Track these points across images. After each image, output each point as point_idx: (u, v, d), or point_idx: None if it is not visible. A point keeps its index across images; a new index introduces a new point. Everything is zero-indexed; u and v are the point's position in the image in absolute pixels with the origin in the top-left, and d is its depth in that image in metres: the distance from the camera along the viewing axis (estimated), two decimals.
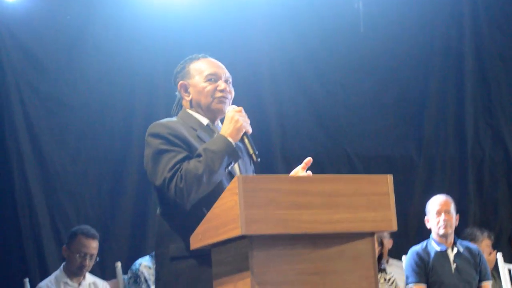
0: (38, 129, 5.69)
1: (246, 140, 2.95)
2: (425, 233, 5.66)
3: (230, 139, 2.89)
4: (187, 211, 2.83)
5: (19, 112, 5.64)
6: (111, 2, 5.94)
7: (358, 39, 6.63)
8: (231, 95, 3.14)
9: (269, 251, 2.52)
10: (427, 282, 5.39)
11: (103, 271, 5.49)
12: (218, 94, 3.09)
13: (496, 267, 5.87)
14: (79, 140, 5.81)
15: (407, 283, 5.42)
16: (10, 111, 5.62)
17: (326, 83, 6.63)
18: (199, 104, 3.12)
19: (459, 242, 5.55)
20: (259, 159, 2.94)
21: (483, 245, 6.06)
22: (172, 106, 3.27)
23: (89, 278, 5.08)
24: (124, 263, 5.15)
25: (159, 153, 2.91)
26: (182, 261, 2.86)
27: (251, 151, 2.94)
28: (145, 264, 4.96)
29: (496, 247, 6.27)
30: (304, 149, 6.08)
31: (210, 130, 3.10)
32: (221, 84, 3.10)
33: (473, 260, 5.46)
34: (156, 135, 2.96)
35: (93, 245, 4.99)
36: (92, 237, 5.00)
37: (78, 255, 4.95)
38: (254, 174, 3.23)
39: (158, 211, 3.02)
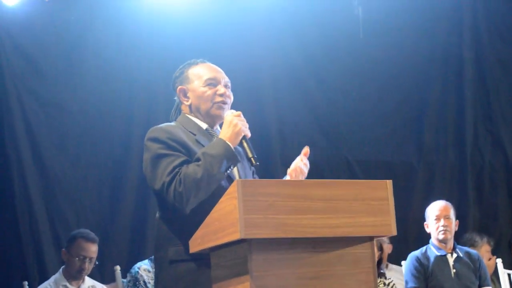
0: (37, 134, 5.69)
1: (245, 144, 2.96)
2: (425, 239, 5.66)
3: (229, 143, 2.89)
4: (186, 215, 2.83)
5: (19, 117, 5.64)
6: (111, 8, 5.94)
7: (358, 46, 6.64)
8: (230, 99, 3.15)
9: (268, 255, 2.52)
10: (426, 287, 5.38)
11: (102, 274, 5.49)
12: (218, 99, 3.10)
13: (495, 273, 5.88)
14: (79, 145, 5.81)
15: None
16: (10, 116, 5.62)
17: (326, 89, 6.63)
18: (199, 109, 3.12)
19: (458, 247, 5.55)
20: (258, 163, 2.94)
21: (483, 250, 6.07)
22: (171, 111, 3.27)
23: (88, 281, 5.08)
24: (123, 267, 5.15)
25: (158, 157, 2.91)
26: (181, 265, 2.87)
27: (250, 154, 2.94)
28: (144, 268, 4.96)
29: (495, 252, 6.28)
30: None
31: (209, 134, 3.10)
32: (221, 89, 3.11)
33: (473, 265, 5.46)
34: (155, 140, 2.96)
35: (93, 249, 5.00)
36: (92, 240, 5.01)
37: (77, 258, 4.95)
38: (256, 177, 3.24)
39: (157, 215, 3.02)
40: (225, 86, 3.14)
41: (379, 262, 5.28)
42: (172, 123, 3.11)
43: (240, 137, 2.94)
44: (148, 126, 3.15)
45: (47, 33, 5.81)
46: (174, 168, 2.86)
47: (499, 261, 5.79)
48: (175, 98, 3.22)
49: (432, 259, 5.44)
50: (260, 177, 3.28)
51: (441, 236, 5.45)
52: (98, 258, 5.07)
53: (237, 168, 3.03)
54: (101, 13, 5.92)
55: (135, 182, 5.79)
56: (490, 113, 6.93)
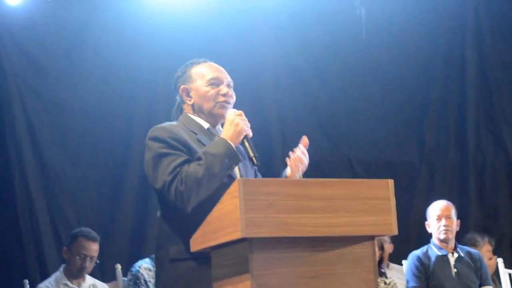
0: (38, 133, 5.70)
1: (246, 143, 2.95)
2: (426, 239, 5.66)
3: (230, 143, 2.89)
4: (187, 214, 2.83)
5: (20, 116, 5.64)
6: (112, 8, 5.95)
7: (360, 46, 6.64)
8: (233, 99, 3.14)
9: (269, 254, 2.52)
10: (427, 286, 5.38)
11: (103, 273, 5.49)
12: (221, 99, 3.10)
13: (496, 272, 5.88)
14: (80, 144, 5.82)
15: (407, 287, 5.42)
16: (11, 115, 5.63)
17: (328, 89, 6.63)
18: (201, 108, 3.12)
19: (459, 247, 5.55)
20: (259, 162, 2.94)
21: (484, 250, 6.07)
22: (172, 110, 3.27)
23: (89, 280, 5.08)
24: (124, 266, 5.16)
25: (159, 156, 2.91)
26: (182, 263, 2.86)
27: (251, 154, 2.94)
28: (145, 266, 4.97)
29: (497, 252, 6.28)
30: None
31: (210, 133, 3.10)
32: (223, 89, 3.11)
33: (474, 265, 5.46)
34: (156, 139, 2.96)
35: (94, 248, 5.00)
36: (93, 239, 5.01)
37: (78, 257, 4.95)
38: (260, 176, 3.24)
39: (158, 213, 3.02)
40: (228, 85, 3.14)
41: (380, 261, 5.28)
42: (174, 122, 3.10)
43: (242, 137, 2.93)
44: (148, 125, 3.15)
45: (48, 32, 5.81)
46: (176, 167, 2.85)
47: (500, 260, 5.79)
48: (177, 97, 3.22)
49: (433, 258, 5.43)
50: (262, 177, 3.28)
51: (442, 236, 5.45)
52: (99, 257, 5.08)
53: (239, 167, 3.03)
54: (102, 13, 5.92)
55: (135, 181, 5.80)
56: (492, 113, 6.92)
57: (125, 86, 5.94)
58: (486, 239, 6.23)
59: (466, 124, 6.82)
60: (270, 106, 6.41)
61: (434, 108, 6.84)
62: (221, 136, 2.93)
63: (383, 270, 5.28)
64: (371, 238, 2.70)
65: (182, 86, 3.16)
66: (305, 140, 3.13)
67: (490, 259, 6.12)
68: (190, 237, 2.79)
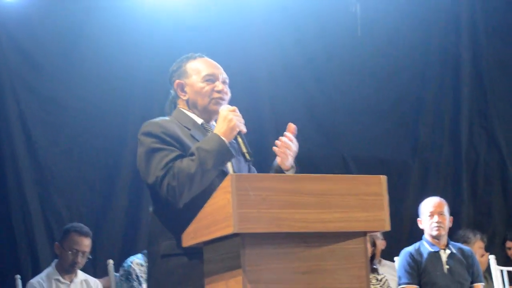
0: (32, 129, 5.69)
1: (239, 139, 2.94)
2: (418, 236, 5.66)
3: (223, 138, 2.88)
4: (180, 209, 2.82)
5: (14, 112, 5.64)
6: (109, 5, 5.93)
7: (355, 43, 6.64)
8: (228, 96, 3.13)
9: (261, 250, 2.52)
10: (419, 283, 5.39)
11: (95, 268, 5.50)
12: (216, 95, 3.09)
13: (488, 269, 5.89)
14: (73, 140, 5.81)
15: (399, 284, 5.42)
16: (5, 111, 5.62)
17: (323, 86, 6.63)
18: (196, 104, 3.11)
19: (451, 243, 5.56)
20: (252, 158, 2.93)
21: (476, 247, 6.08)
22: (166, 104, 3.26)
23: (81, 275, 5.08)
24: (116, 261, 5.15)
25: (152, 151, 2.90)
26: (174, 259, 2.86)
27: (244, 150, 2.93)
28: (137, 262, 4.96)
29: (489, 249, 6.29)
30: (300, 152, 6.06)
31: (203, 129, 3.09)
32: (219, 85, 3.10)
33: (466, 262, 5.47)
34: (149, 134, 2.95)
35: (86, 243, 5.00)
36: (85, 234, 5.01)
37: (70, 252, 4.95)
38: (255, 172, 3.23)
39: (150, 209, 3.02)
40: (223, 82, 3.12)
41: (372, 257, 5.29)
42: (167, 118, 3.10)
43: (235, 132, 2.92)
44: (142, 121, 3.14)
45: (44, 28, 5.80)
46: (168, 162, 2.85)
47: (492, 257, 5.80)
48: (171, 91, 3.21)
49: (425, 255, 5.44)
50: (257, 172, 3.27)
51: (434, 232, 5.45)
52: (91, 252, 5.08)
53: (231, 162, 3.02)
54: (99, 11, 5.90)
55: (129, 177, 5.79)
56: (485, 111, 6.93)
57: (120, 83, 5.93)
58: (478, 236, 6.25)
59: (460, 122, 6.83)
60: (265, 103, 6.41)
61: (428, 106, 6.84)
62: (215, 131, 2.92)
63: (375, 267, 5.29)
64: (363, 234, 2.70)
65: (177, 81, 3.15)
66: (291, 126, 3.11)
67: (482, 256, 6.14)
68: (182, 232, 2.78)
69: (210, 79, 3.10)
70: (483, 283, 5.53)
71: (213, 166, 2.83)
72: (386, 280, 5.28)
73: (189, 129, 3.03)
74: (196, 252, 2.77)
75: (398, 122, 6.79)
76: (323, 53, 6.63)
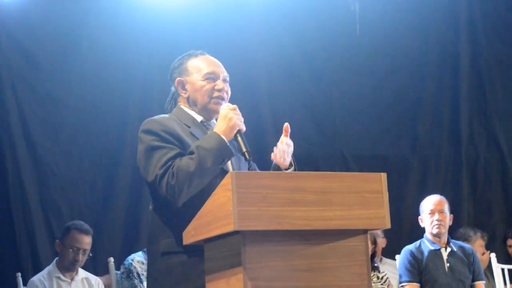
0: (32, 127, 5.69)
1: (239, 138, 2.94)
2: (419, 234, 5.66)
3: (223, 137, 2.88)
4: (179, 207, 2.82)
5: (14, 110, 5.64)
6: (107, 3, 5.93)
7: (354, 41, 6.64)
8: (228, 95, 3.13)
9: (262, 247, 2.52)
10: (420, 281, 5.39)
11: (96, 266, 5.50)
12: (216, 94, 3.08)
13: (489, 267, 5.89)
14: (73, 138, 5.81)
15: (400, 282, 5.42)
16: (5, 109, 5.63)
17: (322, 83, 6.63)
18: (196, 102, 3.10)
19: (452, 242, 5.56)
20: (251, 157, 2.93)
21: (476, 245, 6.08)
22: (166, 101, 3.26)
23: (82, 273, 5.08)
24: (117, 259, 5.15)
25: (152, 149, 2.90)
26: (173, 257, 2.86)
27: (244, 149, 2.92)
28: (138, 260, 4.96)
29: (489, 247, 6.29)
30: (300, 151, 6.06)
31: (203, 126, 3.09)
32: (219, 84, 3.09)
33: (467, 260, 5.47)
34: (149, 132, 2.95)
35: (87, 241, 5.00)
36: (86, 232, 5.01)
37: (71, 250, 4.95)
38: (256, 169, 3.23)
39: (150, 206, 3.02)
40: (224, 80, 3.12)
41: (373, 255, 5.29)
42: (167, 115, 3.09)
43: (235, 131, 2.92)
44: (142, 118, 3.14)
45: (43, 27, 5.80)
46: (167, 160, 2.85)
47: (492, 255, 5.81)
48: (172, 88, 3.20)
49: (426, 253, 5.44)
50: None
51: (435, 231, 5.46)
52: (91, 250, 5.08)
53: (231, 161, 3.02)
54: (98, 9, 5.91)
55: (129, 174, 5.79)
56: (485, 108, 6.93)
57: (120, 83, 5.94)
58: (479, 234, 6.25)
59: (459, 119, 6.82)
60: (264, 101, 6.40)
61: (428, 104, 6.84)
62: (214, 130, 2.92)
63: (376, 265, 5.29)
64: (364, 231, 2.69)
65: (178, 78, 3.14)
66: (286, 127, 3.09)
67: (483, 254, 6.14)
68: (182, 230, 2.78)
69: (211, 77, 3.09)
70: (484, 281, 5.53)
71: (213, 164, 2.83)
72: (387, 278, 5.28)
73: (189, 127, 3.03)
74: (195, 250, 2.77)
75: (397, 120, 6.78)
76: (322, 52, 6.62)
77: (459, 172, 6.79)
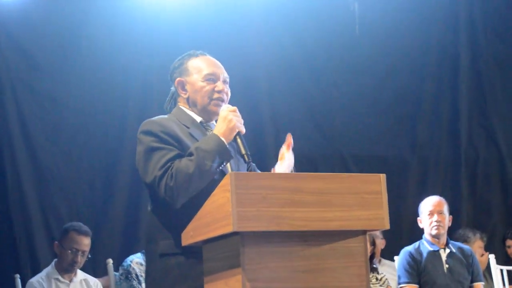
0: (31, 127, 5.68)
1: (238, 140, 2.93)
2: (418, 235, 5.66)
3: (222, 139, 2.87)
4: (178, 208, 2.81)
5: (13, 110, 5.63)
6: (107, 4, 5.93)
7: (353, 41, 6.64)
8: (228, 96, 3.12)
9: (261, 248, 2.51)
10: (419, 282, 5.39)
11: (95, 268, 5.49)
12: (216, 95, 3.07)
13: (488, 269, 5.89)
14: (72, 139, 5.80)
15: (399, 283, 5.42)
16: (4, 108, 5.62)
17: (321, 84, 6.62)
18: (195, 103, 3.10)
19: (451, 243, 5.55)
20: (250, 160, 2.92)
21: (475, 246, 6.08)
22: (166, 101, 3.25)
23: (81, 275, 5.07)
24: (115, 260, 5.15)
25: (151, 150, 2.90)
26: (172, 258, 2.85)
27: (243, 151, 2.91)
28: (136, 261, 4.96)
29: (489, 248, 6.29)
30: (298, 150, 6.05)
31: (203, 127, 3.08)
32: (219, 85, 3.08)
33: (466, 261, 5.46)
34: (148, 133, 2.95)
35: (85, 242, 4.99)
36: (85, 233, 5.00)
37: (70, 251, 4.94)
38: (257, 170, 3.22)
39: (149, 207, 3.01)
40: (224, 81, 3.11)
41: (372, 257, 5.28)
42: (166, 116, 3.09)
43: (235, 133, 2.91)
44: (141, 118, 3.13)
45: (43, 27, 5.80)
46: (166, 162, 2.84)
47: (492, 257, 5.80)
48: (172, 88, 3.20)
49: (425, 254, 5.44)
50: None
51: (434, 232, 5.45)
52: (90, 252, 5.07)
53: (230, 163, 3.01)
54: (97, 10, 5.90)
55: (128, 176, 5.78)
56: (484, 108, 6.93)
57: (119, 83, 5.93)
58: (478, 235, 6.25)
59: (459, 120, 6.82)
60: (264, 102, 6.40)
61: (427, 104, 6.84)
62: (214, 132, 2.91)
63: (375, 266, 5.29)
64: (363, 232, 2.69)
65: (178, 79, 3.13)
66: (289, 140, 3.08)
67: (482, 255, 6.14)
68: (181, 231, 2.78)
69: (211, 78, 3.08)
70: (483, 282, 5.53)
71: (212, 166, 2.82)
72: (386, 279, 5.27)
73: (188, 128, 3.02)
74: (194, 251, 2.77)
75: (397, 121, 6.78)
76: (321, 52, 6.62)
77: (458, 172, 6.79)
